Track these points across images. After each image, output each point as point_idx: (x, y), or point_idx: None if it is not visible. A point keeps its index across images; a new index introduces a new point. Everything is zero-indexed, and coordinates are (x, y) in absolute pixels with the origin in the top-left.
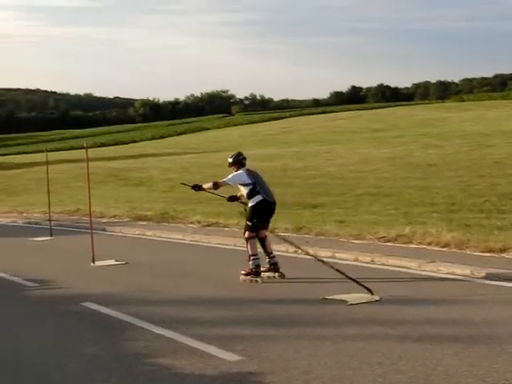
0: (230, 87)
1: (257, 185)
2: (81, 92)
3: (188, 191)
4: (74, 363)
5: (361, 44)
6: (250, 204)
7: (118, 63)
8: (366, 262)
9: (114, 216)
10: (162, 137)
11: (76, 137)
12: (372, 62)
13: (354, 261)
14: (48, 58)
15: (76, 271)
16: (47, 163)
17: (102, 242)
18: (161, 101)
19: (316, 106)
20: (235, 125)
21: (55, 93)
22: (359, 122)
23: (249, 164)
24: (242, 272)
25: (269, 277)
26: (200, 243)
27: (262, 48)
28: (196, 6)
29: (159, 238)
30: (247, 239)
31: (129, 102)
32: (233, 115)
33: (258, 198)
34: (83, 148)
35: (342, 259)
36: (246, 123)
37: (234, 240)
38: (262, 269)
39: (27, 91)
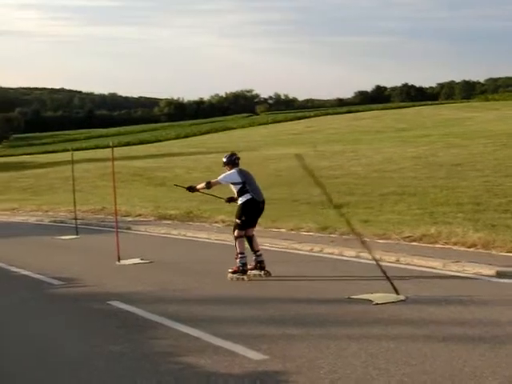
0: (254, 87)
1: (246, 184)
2: (105, 91)
3: (212, 191)
4: (100, 361)
5: (385, 43)
6: (238, 202)
7: (142, 62)
8: (391, 262)
9: (139, 215)
10: (187, 136)
11: (101, 136)
12: (396, 61)
13: (379, 260)
14: (73, 57)
15: (101, 270)
16: (72, 162)
17: (128, 241)
18: (185, 100)
19: (340, 105)
20: (260, 124)
21: (80, 92)
22: (384, 121)
23: (273, 164)
24: (230, 270)
25: (255, 275)
26: (225, 242)
27: (286, 47)
28: (220, 6)
29: (184, 237)
30: (236, 237)
31: (154, 102)
32: (257, 115)
33: (247, 196)
34: (109, 147)
35: (367, 259)
36: (271, 123)
37: (259, 240)
38: (248, 267)
39: (52, 90)
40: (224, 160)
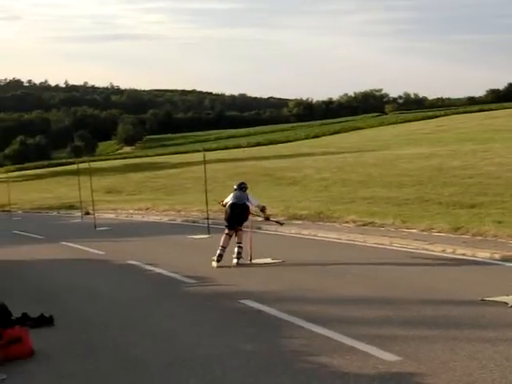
0: (383, 86)
1: (232, 198)
2: (235, 92)
3: (342, 191)
4: (233, 359)
5: None
6: None
7: (272, 63)
8: None
9: (270, 215)
10: (316, 136)
11: (231, 136)
12: None
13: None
14: (203, 59)
15: (233, 268)
16: (205, 163)
17: (258, 241)
18: (314, 100)
19: (472, 104)
20: (389, 124)
21: (211, 93)
22: None
23: (403, 164)
24: (213, 258)
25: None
26: (356, 242)
27: (415, 46)
28: (348, 6)
29: (315, 237)
30: (224, 233)
31: (283, 102)
32: (386, 114)
33: (229, 203)
34: (240, 147)
35: (501, 260)
36: (400, 122)
37: (389, 239)
38: (233, 255)
39: (183, 92)
40: (234, 187)
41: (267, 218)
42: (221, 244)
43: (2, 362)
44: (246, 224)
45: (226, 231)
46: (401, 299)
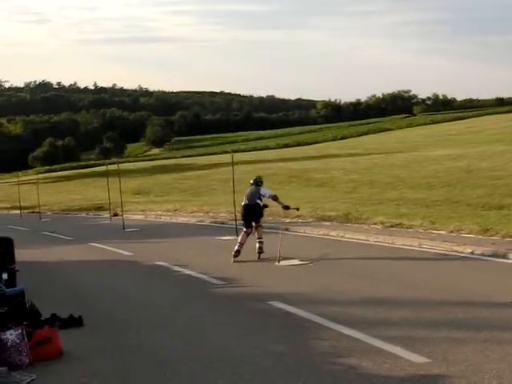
0: (411, 87)
1: (245, 197)
2: (263, 94)
3: (370, 193)
4: (262, 360)
5: None
6: None
7: (300, 65)
8: None
9: (298, 216)
10: (344, 137)
11: (259, 138)
12: None
13: None
14: (231, 60)
15: (261, 270)
16: (233, 164)
17: (286, 242)
18: (342, 102)
19: (501, 105)
20: (418, 125)
21: (239, 95)
22: None
23: (432, 166)
24: (233, 253)
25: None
26: (384, 244)
27: (444, 47)
28: (377, 8)
29: (343, 239)
30: (243, 231)
31: (311, 104)
32: (415, 115)
33: (242, 204)
34: (268, 149)
35: None
36: (429, 123)
37: (418, 241)
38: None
39: (211, 94)
40: (251, 181)
41: (287, 207)
42: (239, 241)
43: (32, 363)
44: (271, 225)
45: (244, 229)
46: (430, 301)
